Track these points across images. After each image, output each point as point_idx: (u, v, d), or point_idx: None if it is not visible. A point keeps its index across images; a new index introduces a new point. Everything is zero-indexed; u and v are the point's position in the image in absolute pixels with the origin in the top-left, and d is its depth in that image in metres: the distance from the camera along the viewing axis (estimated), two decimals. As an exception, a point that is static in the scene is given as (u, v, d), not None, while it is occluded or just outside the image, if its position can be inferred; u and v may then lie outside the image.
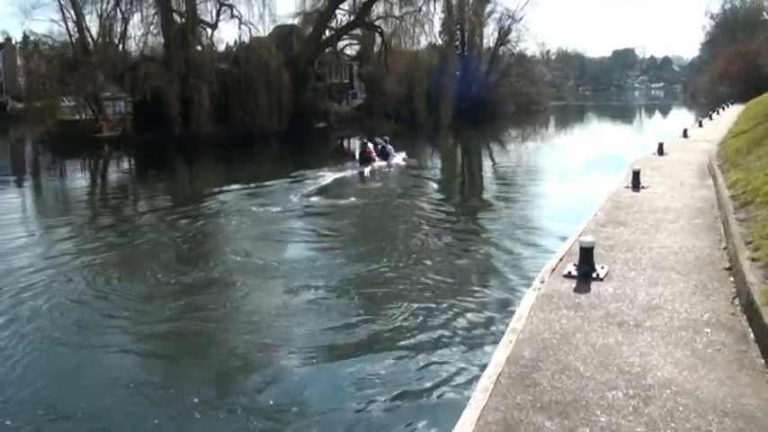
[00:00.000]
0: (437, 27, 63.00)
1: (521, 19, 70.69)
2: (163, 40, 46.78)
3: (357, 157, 31.17)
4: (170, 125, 43.18)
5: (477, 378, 6.26)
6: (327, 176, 26.27)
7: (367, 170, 28.50)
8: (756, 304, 6.17)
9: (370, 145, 30.55)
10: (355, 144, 44.83)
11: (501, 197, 22.60)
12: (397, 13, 55.13)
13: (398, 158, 30.94)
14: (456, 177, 29.96)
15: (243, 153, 38.24)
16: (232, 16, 49.32)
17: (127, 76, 46.77)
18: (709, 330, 6.27)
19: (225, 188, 23.94)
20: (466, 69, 66.07)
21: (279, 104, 47.20)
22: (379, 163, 29.59)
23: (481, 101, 63.72)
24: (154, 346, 9.56)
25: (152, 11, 46.85)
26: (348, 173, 27.97)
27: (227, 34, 79.34)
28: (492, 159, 38.73)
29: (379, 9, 55.84)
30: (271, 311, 10.54)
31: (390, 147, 31.14)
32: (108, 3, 46.34)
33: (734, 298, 7.14)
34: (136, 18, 47.69)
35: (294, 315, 10.45)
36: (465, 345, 8.97)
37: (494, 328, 9.28)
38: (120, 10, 46.94)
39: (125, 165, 39.69)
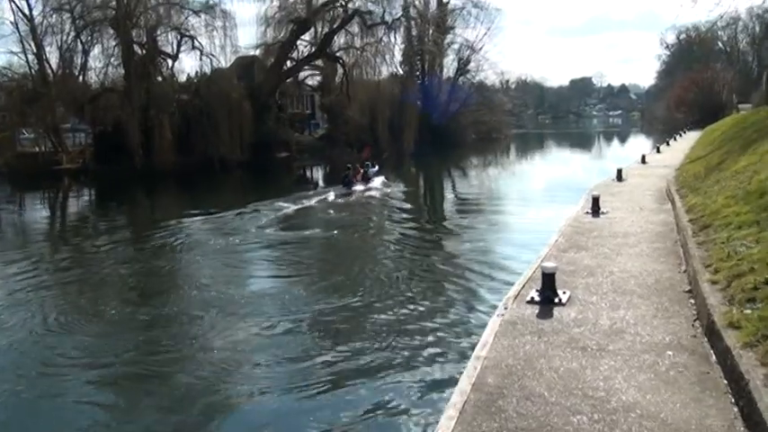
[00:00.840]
0: (398, 57, 63.68)
1: (480, 49, 72.01)
2: (123, 72, 46.43)
3: (342, 179, 32.51)
4: (131, 156, 42.79)
5: (443, 406, 6.23)
6: (290, 206, 26.24)
7: (348, 190, 30.61)
8: (717, 326, 6.23)
9: (360, 168, 33.56)
10: (318, 173, 45.22)
11: (464, 225, 22.70)
12: (358, 44, 55.51)
13: (377, 182, 33.40)
14: (419, 205, 30.03)
15: (205, 184, 38.03)
16: (193, 47, 49.24)
17: (87, 107, 46.45)
18: (671, 353, 6.31)
19: (186, 219, 23.76)
20: (427, 99, 66.67)
21: (241, 135, 47.07)
22: (360, 186, 31.76)
23: (443, 129, 64.20)
24: (110, 385, 9.38)
25: (112, 42, 46.59)
26: (314, 201, 28.48)
27: (188, 65, 79.37)
28: (454, 187, 39.02)
29: (340, 40, 56.26)
30: (230, 347, 10.43)
31: (373, 170, 34.29)
32: (68, 34, 46.31)
33: (695, 320, 7.21)
34: (96, 49, 47.60)
35: (254, 351, 10.33)
36: (430, 373, 8.98)
37: (459, 356, 9.28)
38: (81, 41, 46.80)
39: (85, 197, 39.20)
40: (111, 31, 46.17)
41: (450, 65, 73.24)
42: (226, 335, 11.08)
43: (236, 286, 14.54)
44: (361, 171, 33.70)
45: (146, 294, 14.31)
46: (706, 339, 6.57)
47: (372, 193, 31.27)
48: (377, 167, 35.56)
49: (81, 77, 48.49)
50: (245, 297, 13.52)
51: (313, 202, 28.25)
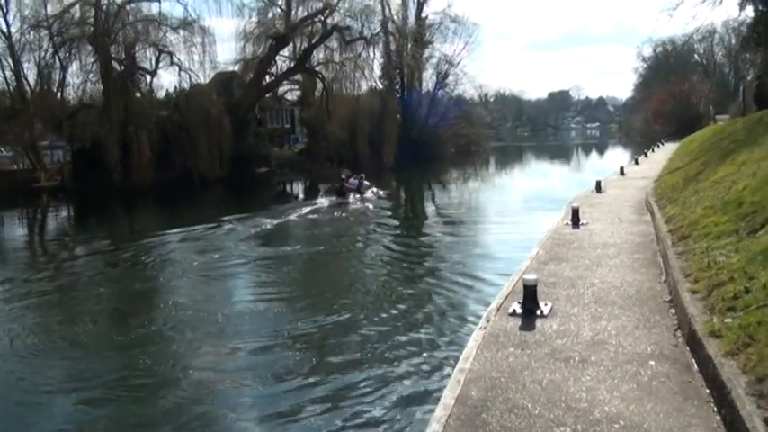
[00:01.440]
0: (377, 72, 63.96)
1: (458, 63, 72.40)
2: (102, 88, 46.21)
3: (335, 190, 34.38)
4: (110, 173, 42.58)
5: (426, 421, 6.21)
6: (272, 221, 26.19)
7: (343, 200, 32.43)
8: (698, 335, 6.26)
9: (352, 180, 35.32)
10: (298, 188, 45.78)
11: (445, 238, 22.73)
12: (337, 58, 55.68)
13: (369, 192, 34.72)
14: (400, 219, 30.00)
15: (184, 200, 37.87)
16: (172, 63, 49.11)
17: (65, 124, 46.09)
18: (653, 363, 6.34)
19: (166, 237, 23.56)
20: (406, 112, 66.93)
21: (220, 150, 47.01)
22: (353, 196, 33.40)
23: (422, 143, 64.37)
24: (84, 410, 9.19)
25: (91, 59, 46.35)
26: (306, 210, 29.77)
27: (166, 81, 79.01)
28: (435, 200, 39.09)
29: (319, 55, 56.45)
30: (210, 368, 10.28)
31: (366, 182, 35.45)
32: (46, 51, 46.03)
33: (676, 330, 7.25)
34: (74, 66, 47.27)
35: (233, 372, 10.17)
36: (413, 388, 8.95)
37: (442, 370, 9.28)
38: (59, 58, 46.46)
39: (63, 214, 38.76)
40: (90, 48, 45.97)
41: (429, 79, 73.68)
42: (205, 355, 10.94)
43: (216, 304, 14.39)
44: (352, 182, 35.29)
45: (124, 314, 14.12)
46: (688, 349, 6.60)
47: (367, 204, 32.08)
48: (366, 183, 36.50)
49: (59, 94, 48.11)
50: (224, 315, 13.32)
51: (305, 210, 29.68)
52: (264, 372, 9.99)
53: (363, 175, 36.98)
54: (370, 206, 31.49)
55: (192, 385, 9.66)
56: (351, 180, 35.59)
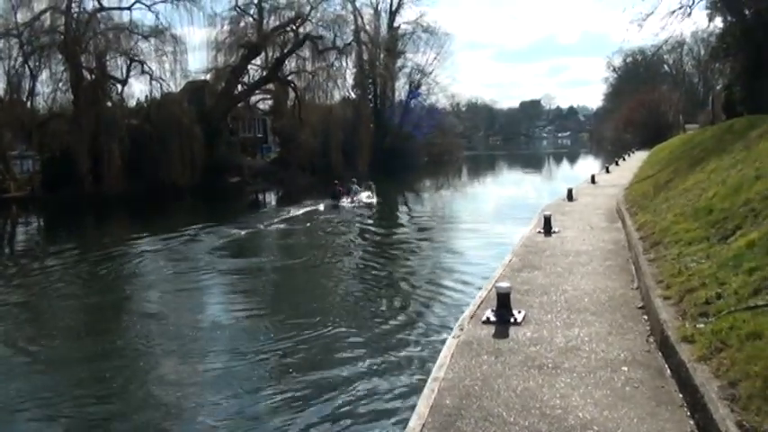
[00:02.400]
0: (350, 81, 64.31)
1: (431, 73, 72.88)
2: (72, 97, 45.78)
3: (330, 194, 36.91)
4: (81, 183, 42.16)
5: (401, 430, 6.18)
6: (241, 231, 26.03)
7: (336, 203, 35.29)
8: (671, 341, 6.30)
9: (350, 185, 37.92)
10: (271, 197, 46.65)
11: (418, 247, 22.71)
12: (309, 68, 55.69)
13: (363, 196, 36.96)
14: (374, 228, 29.95)
15: (156, 210, 37.55)
16: (143, 72, 48.76)
17: (35, 133, 45.46)
18: (626, 368, 6.36)
19: (136, 248, 23.34)
20: (379, 122, 67.11)
21: (191, 159, 46.70)
22: (346, 199, 36.10)
23: (396, 152, 64.61)
24: (45, 427, 9.01)
25: (61, 67, 45.87)
26: (301, 212, 31.97)
27: (137, 90, 78.15)
28: (409, 209, 39.14)
29: (291, 64, 56.40)
30: (179, 383, 10.04)
31: (357, 187, 37.89)
32: (16, 60, 45.29)
33: (648, 336, 7.29)
34: (44, 74, 46.57)
35: (202, 386, 10.00)
36: (388, 398, 8.90)
37: (416, 379, 9.23)
38: (29, 66, 45.74)
39: (33, 225, 38.26)
40: (60, 56, 45.49)
41: (401, 88, 74.36)
42: (170, 374, 10.60)
43: (187, 316, 14.17)
44: (347, 187, 37.90)
45: (93, 327, 13.88)
46: (660, 354, 6.64)
47: (362, 207, 34.96)
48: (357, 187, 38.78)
49: (29, 103, 47.39)
50: (192, 329, 13.05)
51: (300, 212, 32.24)
52: (229, 386, 9.80)
53: (356, 180, 39.32)
54: (365, 208, 34.63)
55: (160, 402, 9.45)
56: (344, 185, 37.93)
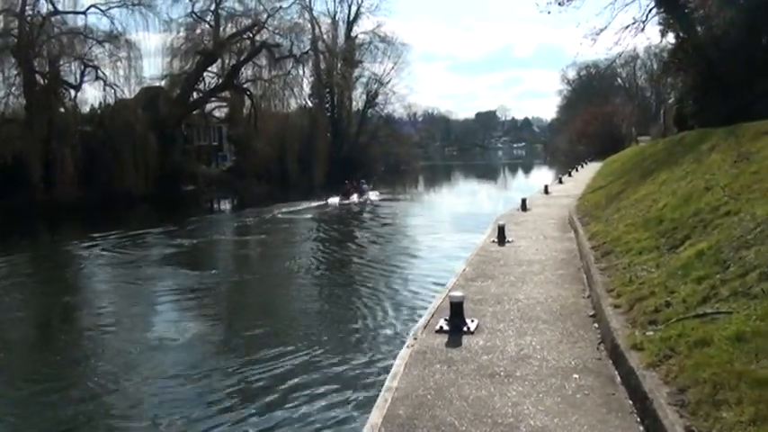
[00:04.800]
0: (307, 90, 64.14)
1: (388, 83, 73.08)
2: (24, 102, 44.82)
3: (342, 192, 41.81)
4: (32, 190, 41.17)
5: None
6: (186, 241, 25.77)
7: (346, 201, 40.30)
8: (621, 348, 6.37)
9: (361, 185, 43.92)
10: (226, 206, 47.25)
11: (373, 256, 22.61)
12: (266, 76, 55.54)
13: (372, 195, 42.97)
14: (331, 237, 29.85)
15: (108, 217, 36.91)
16: (97, 78, 48.07)
17: (-15, 139, 44.50)
18: (577, 376, 6.41)
19: (87, 257, 22.99)
20: (336, 131, 67.14)
21: (146, 167, 46.25)
22: (355, 197, 41.42)
23: (352, 161, 64.49)
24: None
25: (14, 71, 44.77)
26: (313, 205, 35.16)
27: (91, 95, 77.00)
28: (365, 219, 39.06)
29: (247, 72, 56.36)
30: (134, 396, 9.89)
31: (366, 186, 44.35)
32: (-32, 64, 44.33)
33: (599, 344, 7.35)
34: (-4, 78, 45.63)
35: (154, 408, 9.69)
36: (342, 409, 8.86)
37: (370, 389, 9.18)
38: (-20, 70, 44.90)
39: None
40: (13, 60, 44.46)
41: (359, 98, 74.35)
42: (126, 388, 10.29)
43: (140, 329, 13.90)
44: (356, 185, 43.36)
45: (39, 340, 13.61)
46: (611, 362, 6.70)
47: (374, 198, 42.53)
48: (370, 184, 45.93)
49: (-20, 108, 46.52)
50: (149, 341, 12.87)
51: (313, 205, 38.46)
52: (179, 403, 9.61)
53: (364, 180, 45.40)
54: (373, 203, 40.89)
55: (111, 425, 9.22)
56: (354, 184, 43.33)
